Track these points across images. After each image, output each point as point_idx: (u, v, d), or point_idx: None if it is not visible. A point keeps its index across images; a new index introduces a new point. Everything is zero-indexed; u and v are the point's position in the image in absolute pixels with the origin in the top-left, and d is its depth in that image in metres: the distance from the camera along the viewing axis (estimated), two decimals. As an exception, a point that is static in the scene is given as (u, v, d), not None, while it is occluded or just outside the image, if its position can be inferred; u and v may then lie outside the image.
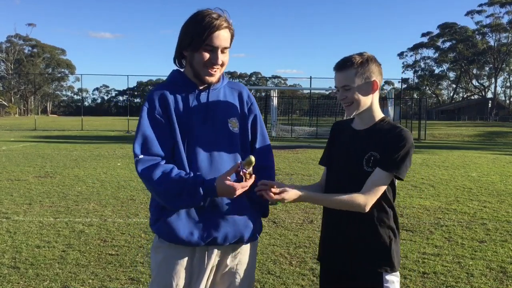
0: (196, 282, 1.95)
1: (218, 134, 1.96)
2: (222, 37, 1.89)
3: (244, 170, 1.82)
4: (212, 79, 1.96)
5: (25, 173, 10.13)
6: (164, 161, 1.90)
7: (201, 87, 1.99)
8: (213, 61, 1.90)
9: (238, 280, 2.04)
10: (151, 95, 1.96)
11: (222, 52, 1.93)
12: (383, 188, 1.95)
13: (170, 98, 1.94)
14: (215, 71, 1.94)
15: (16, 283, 3.89)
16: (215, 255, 1.98)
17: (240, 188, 1.83)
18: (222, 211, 1.93)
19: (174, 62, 2.02)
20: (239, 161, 1.86)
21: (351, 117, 2.10)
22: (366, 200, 1.93)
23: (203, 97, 1.98)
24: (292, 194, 1.96)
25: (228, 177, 1.83)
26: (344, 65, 1.98)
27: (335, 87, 2.07)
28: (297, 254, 4.73)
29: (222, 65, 1.95)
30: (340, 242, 2.04)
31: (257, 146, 2.10)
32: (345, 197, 1.93)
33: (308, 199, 2.03)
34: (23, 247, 4.84)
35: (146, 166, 1.87)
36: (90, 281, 3.95)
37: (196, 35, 1.87)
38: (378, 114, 2.05)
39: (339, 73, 1.99)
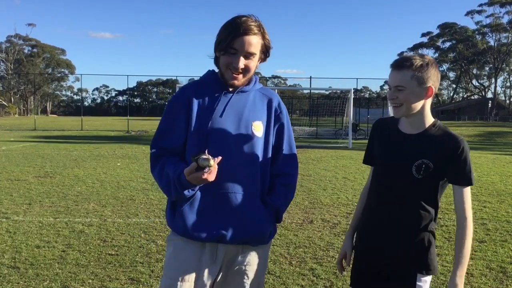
0: (203, 277, 1.97)
1: (238, 135, 1.98)
2: (247, 42, 1.90)
3: (205, 168, 1.76)
4: (234, 82, 1.98)
5: (25, 173, 10.13)
6: (168, 155, 1.98)
7: (230, 88, 2.02)
8: (234, 65, 1.93)
9: (246, 281, 2.04)
10: (179, 91, 2.05)
11: (247, 57, 1.93)
12: (470, 201, 2.00)
13: (196, 94, 1.99)
14: (238, 75, 1.96)
15: (16, 283, 3.89)
16: (224, 253, 1.99)
17: (206, 178, 1.79)
18: (235, 210, 1.95)
19: (214, 62, 2.05)
20: (202, 155, 1.78)
21: (397, 117, 2.04)
22: (470, 222, 1.96)
23: (228, 97, 2.02)
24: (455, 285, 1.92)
25: (189, 170, 1.80)
26: (402, 65, 1.93)
27: (387, 84, 2.03)
28: (297, 254, 4.73)
29: (245, 70, 1.96)
30: (380, 243, 2.06)
31: (283, 154, 2.12)
32: (464, 240, 1.94)
33: (461, 280, 1.94)
34: (23, 247, 4.84)
35: (152, 161, 2.01)
36: (90, 281, 3.95)
37: (224, 37, 1.92)
38: (429, 119, 2.01)
39: (396, 72, 1.94)
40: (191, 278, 1.96)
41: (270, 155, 2.07)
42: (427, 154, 1.95)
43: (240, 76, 1.96)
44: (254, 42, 1.92)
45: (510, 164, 13.47)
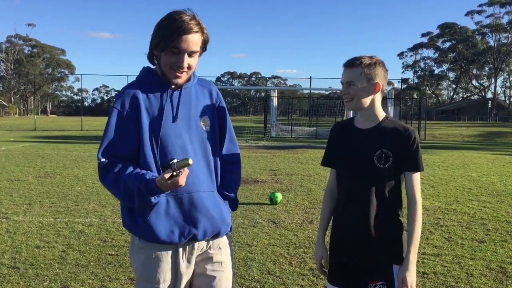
0: (182, 276, 2.01)
1: (191, 134, 1.98)
2: (190, 41, 1.88)
3: (180, 171, 1.80)
4: (178, 81, 1.95)
5: (25, 173, 10.13)
6: (121, 163, 1.91)
7: (173, 86, 1.98)
8: (178, 64, 1.90)
9: (224, 268, 2.10)
10: (122, 95, 1.96)
11: (190, 56, 1.92)
12: (419, 185, 2.17)
13: (142, 97, 1.93)
14: (181, 73, 1.93)
15: (16, 283, 3.89)
16: (197, 249, 2.03)
17: (179, 183, 1.81)
18: (200, 208, 1.97)
19: (148, 59, 2.01)
20: (174, 161, 1.83)
21: (350, 111, 2.20)
22: (419, 204, 2.15)
23: (175, 96, 1.98)
24: (408, 272, 2.08)
25: (165, 177, 1.80)
26: (353, 63, 2.12)
27: (341, 82, 2.20)
28: (297, 254, 4.73)
29: (189, 68, 1.94)
30: (354, 238, 2.16)
31: (226, 142, 2.15)
32: (415, 223, 2.13)
33: (414, 258, 2.11)
34: (23, 247, 4.84)
35: (103, 170, 1.92)
36: (90, 281, 3.95)
37: (165, 36, 1.87)
38: (381, 114, 2.18)
39: (347, 69, 2.13)
40: (171, 279, 1.99)
41: (218, 148, 2.10)
42: (384, 144, 2.11)
43: (184, 74, 1.95)
44: (196, 40, 1.91)
45: (510, 164, 13.47)
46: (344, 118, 25.23)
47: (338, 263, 2.23)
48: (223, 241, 2.13)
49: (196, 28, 1.90)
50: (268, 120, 27.88)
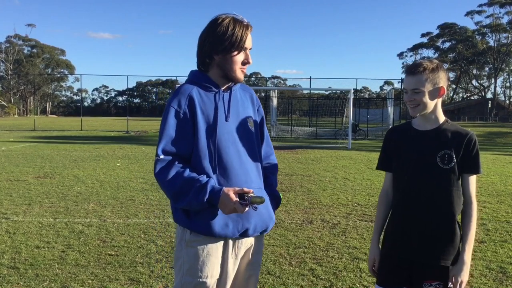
0: (228, 271, 2.08)
1: (241, 132, 2.09)
2: (250, 39, 2.07)
3: (253, 206, 1.91)
4: (242, 77, 2.10)
5: (25, 174, 10.13)
6: (180, 161, 1.98)
7: (222, 88, 2.10)
8: (248, 60, 2.08)
9: (259, 268, 2.24)
10: (178, 95, 2.03)
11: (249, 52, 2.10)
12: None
13: (197, 97, 2.02)
14: (245, 69, 2.10)
15: (15, 283, 3.89)
16: (244, 245, 2.12)
17: (239, 211, 1.92)
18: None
19: (200, 65, 2.10)
20: (251, 190, 1.95)
21: (415, 116, 2.25)
22: (476, 206, 2.19)
23: (226, 96, 2.09)
24: (462, 272, 2.14)
25: (234, 193, 1.91)
26: (416, 70, 2.14)
27: (403, 89, 2.22)
28: (297, 255, 4.73)
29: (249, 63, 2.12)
30: (417, 235, 2.16)
31: (264, 145, 2.29)
32: (471, 224, 2.16)
33: (469, 258, 2.18)
34: (23, 247, 4.83)
35: (163, 165, 1.96)
36: (90, 281, 3.94)
37: (234, 38, 2.00)
38: (442, 116, 2.24)
39: (412, 76, 2.15)
40: (217, 277, 2.06)
41: (260, 149, 2.23)
42: (447, 145, 2.16)
43: (245, 71, 2.10)
44: (251, 38, 2.09)
45: (510, 165, 13.48)
46: (345, 118, 25.28)
47: (391, 264, 2.23)
48: (262, 239, 2.25)
49: (251, 28, 2.08)
50: (268, 120, 27.88)
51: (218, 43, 2.01)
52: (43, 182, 9.07)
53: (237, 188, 1.93)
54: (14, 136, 25.13)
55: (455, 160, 2.14)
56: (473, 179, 2.18)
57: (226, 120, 2.05)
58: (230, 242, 2.06)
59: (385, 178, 2.38)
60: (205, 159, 1.99)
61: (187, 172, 1.95)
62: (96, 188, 8.40)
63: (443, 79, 2.16)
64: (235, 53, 2.02)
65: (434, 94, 2.16)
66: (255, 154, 2.14)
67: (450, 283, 2.12)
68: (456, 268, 2.13)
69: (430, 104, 2.17)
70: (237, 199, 1.89)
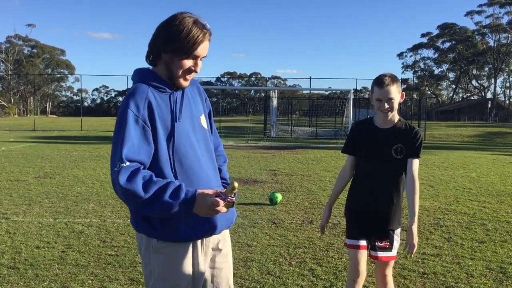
0: (200, 270, 2.04)
1: (197, 132, 2.02)
2: (206, 47, 1.93)
3: (229, 197, 1.84)
4: (186, 84, 1.98)
5: (25, 174, 10.13)
6: (144, 168, 1.86)
7: (175, 88, 2.00)
8: (195, 69, 1.95)
9: (229, 259, 2.21)
10: (135, 96, 1.87)
11: (201, 60, 1.97)
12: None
13: (153, 101, 1.90)
14: (191, 77, 1.98)
15: (15, 283, 3.89)
16: (212, 241, 2.09)
17: (221, 210, 1.83)
18: None
19: (147, 57, 1.98)
20: (219, 190, 1.89)
21: (387, 119, 2.81)
22: (418, 183, 2.81)
23: (178, 97, 1.99)
24: (412, 236, 2.78)
25: (209, 193, 1.84)
26: (390, 82, 2.72)
27: (376, 99, 2.75)
28: (297, 255, 4.73)
29: (197, 71, 1.99)
30: (371, 207, 2.86)
31: (214, 137, 2.24)
32: (416, 196, 2.78)
33: (416, 224, 2.82)
34: (23, 247, 4.83)
35: (129, 173, 1.79)
36: (90, 281, 3.94)
37: (185, 43, 1.86)
38: (397, 116, 2.85)
39: (387, 88, 2.71)
40: (190, 279, 2.01)
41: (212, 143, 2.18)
42: (400, 140, 2.79)
43: (191, 78, 1.99)
44: (208, 46, 1.96)
45: (510, 165, 13.48)
46: (345, 118, 25.31)
47: (356, 223, 2.92)
48: (227, 232, 2.22)
49: (209, 37, 1.94)
50: (268, 120, 27.87)
51: (169, 42, 1.88)
52: (43, 182, 9.07)
53: (210, 191, 1.86)
54: (14, 136, 25.13)
55: (404, 150, 2.77)
56: (416, 162, 2.79)
57: (178, 121, 1.94)
58: (198, 242, 2.02)
59: (347, 159, 2.98)
60: (167, 167, 1.90)
61: (155, 177, 1.83)
62: (96, 188, 8.40)
63: (401, 87, 2.80)
64: (183, 57, 1.89)
65: (399, 100, 2.78)
66: (210, 152, 2.09)
67: (396, 239, 2.87)
68: (408, 235, 2.77)
69: (397, 108, 2.79)
70: (216, 198, 1.81)
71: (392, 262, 2.94)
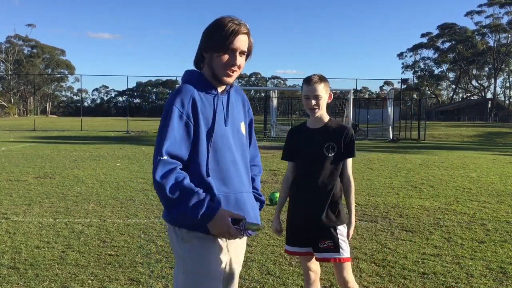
0: (232, 264, 2.13)
1: (236, 137, 2.10)
2: (241, 40, 1.99)
3: (247, 232, 1.94)
4: (230, 80, 2.04)
5: (25, 174, 10.13)
6: (182, 166, 1.93)
7: (219, 90, 2.07)
8: (232, 62, 1.99)
9: (241, 262, 2.27)
10: (180, 94, 1.97)
11: (240, 55, 2.02)
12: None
13: (198, 99, 1.98)
14: (233, 72, 2.03)
15: (15, 283, 3.89)
16: (231, 243, 2.12)
17: (233, 235, 1.92)
18: (243, 207, 2.07)
19: (195, 63, 2.10)
20: (245, 217, 1.97)
21: (316, 116, 2.89)
22: (353, 181, 2.96)
23: (224, 99, 2.08)
24: (350, 231, 2.93)
25: (230, 223, 1.90)
26: (317, 80, 2.83)
27: (304, 95, 2.86)
28: (297, 255, 4.72)
29: (239, 68, 2.03)
30: (309, 208, 2.88)
31: (251, 147, 2.31)
32: (351, 194, 2.94)
33: (354, 219, 2.97)
34: (23, 247, 4.83)
35: (166, 168, 1.88)
36: (90, 281, 3.94)
37: (220, 37, 1.96)
38: (327, 116, 2.95)
39: (316, 85, 2.82)
40: (221, 269, 2.07)
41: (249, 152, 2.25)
42: (331, 138, 2.86)
43: (235, 74, 2.04)
44: (246, 41, 2.02)
45: (510, 165, 13.48)
46: (345, 118, 25.31)
47: (295, 230, 2.92)
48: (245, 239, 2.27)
49: (245, 30, 2.01)
50: (268, 120, 27.89)
51: (207, 40, 2.00)
52: (43, 182, 9.07)
53: (233, 213, 1.93)
54: (14, 136, 25.13)
55: (336, 148, 2.84)
56: (350, 161, 2.91)
57: (226, 125, 2.04)
58: (221, 240, 2.06)
59: (288, 166, 3.05)
60: (204, 165, 1.97)
61: (187, 182, 1.89)
62: (96, 188, 8.40)
63: (329, 88, 2.89)
64: (221, 52, 1.97)
65: (326, 99, 2.88)
66: (245, 158, 2.15)
67: (341, 239, 2.85)
68: (348, 228, 2.91)
69: (324, 107, 2.88)
70: (234, 227, 1.90)
71: (347, 265, 2.88)
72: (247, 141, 2.21)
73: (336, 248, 2.84)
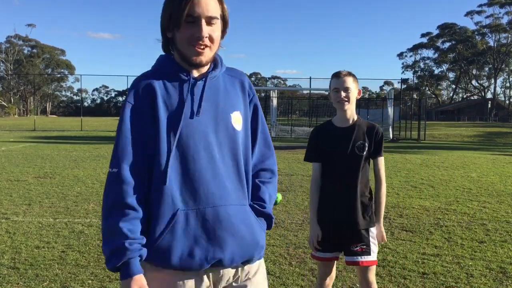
0: None
1: (218, 133, 1.60)
2: (204, 4, 1.54)
3: None
4: (201, 59, 1.58)
5: (25, 174, 10.13)
6: (135, 180, 1.54)
7: (196, 75, 1.63)
8: (197, 35, 1.54)
9: None
10: (134, 86, 1.60)
11: (208, 24, 1.56)
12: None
13: (159, 88, 1.58)
14: (203, 48, 1.57)
15: (15, 283, 3.89)
16: (224, 279, 1.64)
17: None
18: (226, 225, 1.57)
19: (163, 47, 1.68)
20: None
21: (345, 111, 2.77)
22: (384, 181, 2.88)
23: (199, 86, 1.62)
24: (380, 231, 2.86)
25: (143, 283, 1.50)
26: (349, 74, 2.76)
27: (333, 89, 2.77)
28: (297, 255, 4.73)
29: (211, 40, 1.58)
30: (343, 209, 2.77)
31: (260, 145, 1.78)
32: (382, 194, 2.86)
33: (381, 221, 2.88)
34: (23, 247, 4.83)
35: (112, 184, 1.55)
36: (90, 281, 3.94)
37: (175, 5, 1.54)
38: (355, 114, 2.84)
39: (346, 77, 2.74)
40: None
41: (250, 151, 1.72)
42: (362, 137, 2.78)
43: (207, 50, 1.58)
44: (212, 4, 1.57)
45: (510, 165, 13.48)
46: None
47: (325, 234, 2.80)
48: (255, 269, 1.70)
49: None
50: (268, 120, 27.89)
51: (164, 16, 1.60)
52: (43, 182, 9.07)
53: None
54: (14, 136, 25.13)
55: (367, 147, 2.76)
56: (382, 161, 2.85)
57: (192, 117, 1.57)
58: (204, 275, 1.58)
59: (314, 167, 2.88)
60: (161, 169, 1.54)
61: (131, 211, 1.50)
62: (96, 188, 8.39)
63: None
64: (180, 24, 1.54)
65: (356, 94, 2.78)
66: (237, 160, 1.64)
67: (372, 241, 2.78)
68: (377, 232, 2.83)
69: (354, 102, 2.77)
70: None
71: (373, 268, 2.83)
72: (245, 138, 1.70)
73: (368, 250, 2.77)
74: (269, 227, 1.75)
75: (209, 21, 1.56)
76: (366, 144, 2.76)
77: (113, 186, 1.53)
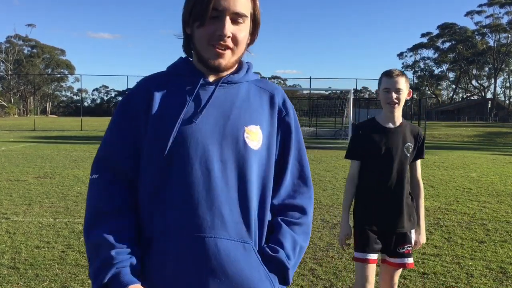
0: None
1: (224, 147, 1.30)
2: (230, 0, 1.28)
3: None
4: (220, 62, 1.32)
5: (25, 174, 10.13)
6: (122, 185, 1.32)
7: (211, 79, 1.37)
8: (218, 32, 1.28)
9: None
10: (136, 84, 1.42)
11: (234, 22, 1.31)
12: None
13: (161, 88, 1.35)
14: (224, 49, 1.31)
15: (15, 283, 3.89)
16: None
17: None
18: (218, 264, 1.24)
19: (183, 47, 1.43)
20: None
21: (393, 113, 2.71)
22: (422, 184, 2.89)
23: (209, 90, 1.35)
24: (422, 234, 2.85)
25: None
26: (402, 74, 2.69)
27: (384, 89, 2.69)
28: (297, 255, 4.72)
29: (235, 42, 1.32)
30: (388, 210, 2.72)
31: (289, 176, 1.42)
32: (422, 196, 2.87)
33: (422, 224, 2.86)
34: (23, 247, 4.83)
35: (93, 191, 1.34)
36: (90, 281, 3.94)
37: (198, 1, 1.29)
38: (401, 114, 2.80)
39: (399, 78, 2.66)
40: None
41: (272, 177, 1.37)
42: (409, 139, 2.77)
43: (228, 52, 1.32)
44: (243, 0, 1.31)
45: (510, 165, 13.48)
46: (345, 118, 25.32)
47: (371, 235, 2.71)
48: None
49: None
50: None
51: (185, 7, 1.35)
52: (43, 182, 9.07)
53: None
54: (14, 136, 25.13)
55: (412, 149, 2.77)
56: (420, 163, 2.88)
57: (189, 123, 1.30)
58: None
59: (353, 165, 2.82)
60: (144, 182, 1.30)
61: (117, 227, 1.26)
62: (96, 188, 8.39)
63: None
64: (201, 19, 1.29)
65: (406, 95, 2.73)
66: (244, 184, 1.30)
67: (413, 244, 2.78)
68: (419, 235, 2.82)
69: (403, 103, 2.73)
70: None
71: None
72: (267, 160, 1.35)
73: (412, 252, 2.77)
74: (283, 282, 1.35)
75: (235, 18, 1.30)
76: (412, 146, 2.77)
77: (94, 194, 1.32)
